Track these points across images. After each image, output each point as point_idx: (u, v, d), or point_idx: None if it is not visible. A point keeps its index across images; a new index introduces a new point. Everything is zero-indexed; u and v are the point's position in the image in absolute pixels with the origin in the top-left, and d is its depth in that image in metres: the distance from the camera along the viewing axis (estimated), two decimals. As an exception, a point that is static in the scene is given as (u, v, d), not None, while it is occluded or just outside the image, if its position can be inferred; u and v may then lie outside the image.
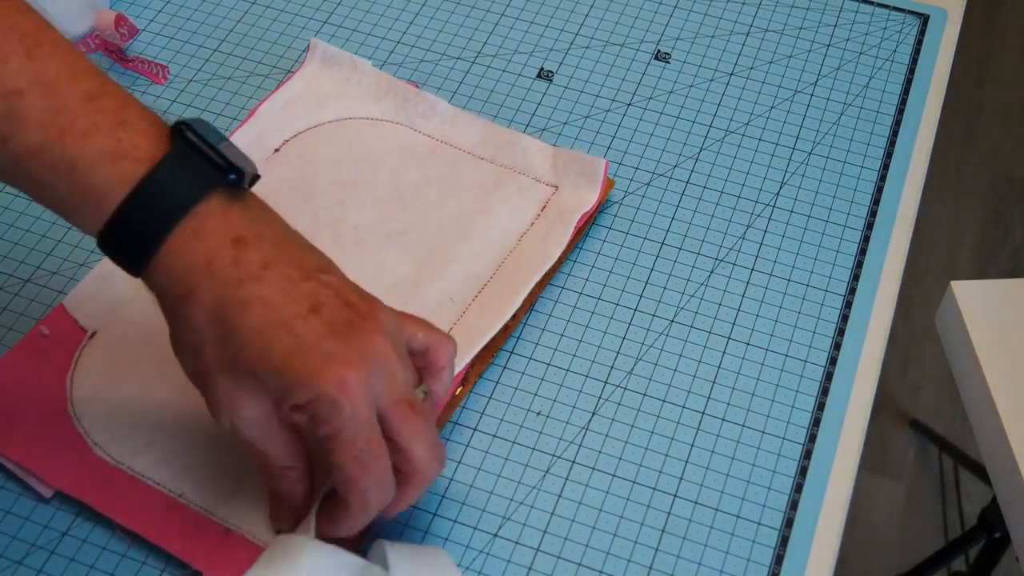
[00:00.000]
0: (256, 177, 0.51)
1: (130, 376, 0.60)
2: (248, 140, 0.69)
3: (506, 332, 0.63)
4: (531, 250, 0.65)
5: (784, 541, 0.56)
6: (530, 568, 0.55)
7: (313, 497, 0.52)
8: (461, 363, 0.59)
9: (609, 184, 0.68)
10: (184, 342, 0.49)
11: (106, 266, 0.65)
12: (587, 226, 0.67)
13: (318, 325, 0.47)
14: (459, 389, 0.60)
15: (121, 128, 0.46)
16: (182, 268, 0.47)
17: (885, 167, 0.72)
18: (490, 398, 0.61)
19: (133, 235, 0.47)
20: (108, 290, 0.63)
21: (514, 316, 0.63)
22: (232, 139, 0.68)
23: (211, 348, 0.47)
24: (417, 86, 0.73)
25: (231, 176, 0.48)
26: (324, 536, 0.51)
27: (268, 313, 0.47)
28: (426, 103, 0.71)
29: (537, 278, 0.63)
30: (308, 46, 0.74)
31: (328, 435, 0.47)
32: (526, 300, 0.63)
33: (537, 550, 0.56)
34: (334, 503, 0.50)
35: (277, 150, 0.70)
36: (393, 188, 0.68)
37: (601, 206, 0.68)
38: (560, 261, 0.65)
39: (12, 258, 0.66)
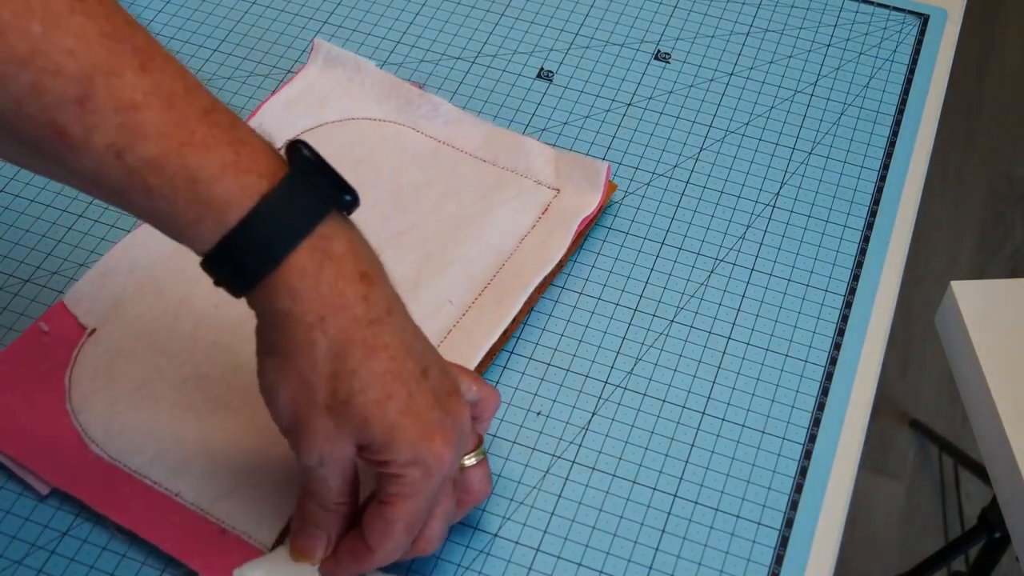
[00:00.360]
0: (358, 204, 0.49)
1: (128, 374, 0.60)
2: None
3: (505, 335, 0.62)
4: (531, 253, 0.65)
5: (784, 541, 0.56)
6: (530, 568, 0.55)
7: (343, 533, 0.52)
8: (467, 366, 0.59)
9: (611, 187, 0.68)
10: (294, 370, 0.47)
11: (107, 263, 0.65)
12: (588, 229, 0.67)
13: (427, 391, 0.48)
14: None
15: (239, 143, 0.46)
16: (311, 291, 0.46)
17: (885, 167, 0.72)
18: (490, 398, 0.61)
19: (256, 248, 0.45)
20: (109, 287, 0.63)
21: (513, 319, 0.63)
22: None
23: (324, 383, 0.46)
24: (421, 87, 0.73)
25: (347, 197, 0.48)
26: (329, 572, 0.52)
27: (392, 364, 0.47)
28: (429, 104, 0.71)
29: (537, 281, 0.63)
30: (311, 46, 0.74)
31: (400, 494, 0.48)
32: (526, 303, 0.63)
33: (537, 550, 0.56)
34: (352, 545, 0.51)
35: (279, 149, 0.69)
36: (394, 189, 0.68)
37: (603, 209, 0.68)
38: (561, 264, 0.65)
39: (12, 258, 0.66)
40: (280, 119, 0.71)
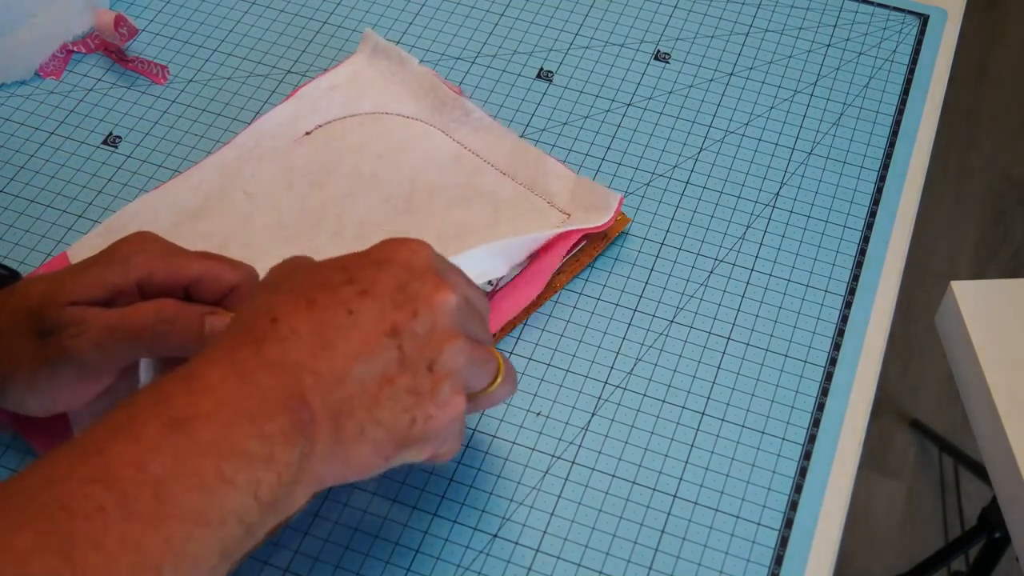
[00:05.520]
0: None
1: None
2: (282, 120, 0.71)
3: None
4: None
5: (784, 541, 0.56)
6: (530, 569, 0.55)
7: None
8: None
9: (623, 221, 0.67)
10: None
11: (114, 222, 0.66)
12: (591, 259, 0.66)
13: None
14: None
15: None
16: None
17: (885, 167, 0.72)
18: (490, 398, 0.61)
19: None
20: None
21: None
22: (268, 116, 0.72)
23: None
24: (459, 90, 0.73)
25: None
26: None
27: None
28: (462, 109, 0.71)
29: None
30: (363, 36, 0.75)
31: None
32: (518, 317, 0.63)
33: (537, 551, 0.56)
34: None
35: (308, 133, 0.71)
36: (409, 189, 0.68)
37: (612, 240, 0.67)
38: (554, 289, 0.65)
39: (12, 258, 0.66)
40: (316, 103, 0.72)
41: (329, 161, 0.69)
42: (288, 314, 0.46)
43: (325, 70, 0.75)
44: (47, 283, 0.52)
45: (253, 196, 0.68)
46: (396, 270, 0.48)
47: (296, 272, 0.49)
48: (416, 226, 0.66)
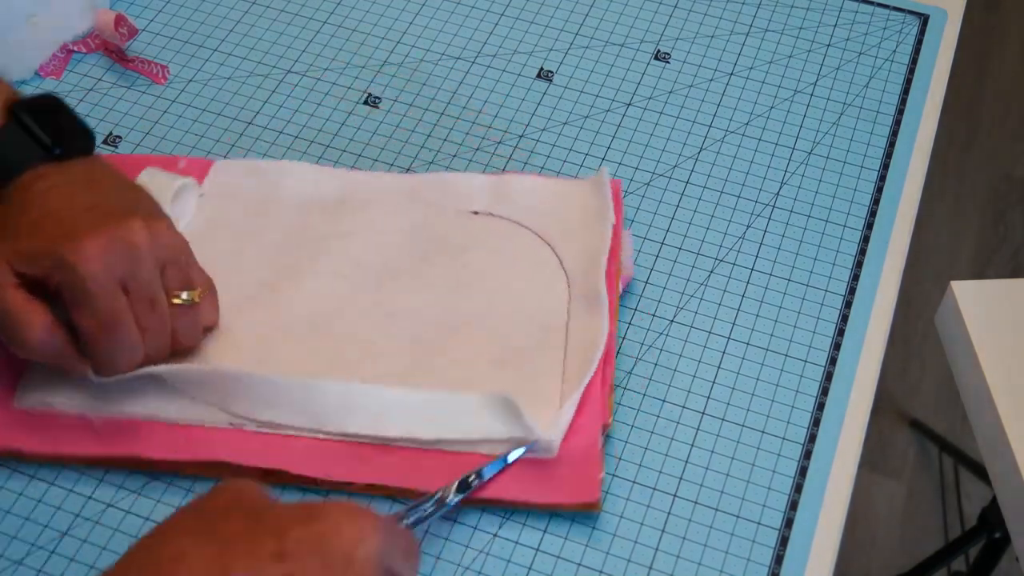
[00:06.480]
0: (87, 150, 0.59)
1: None
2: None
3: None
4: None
5: (784, 541, 0.56)
6: (530, 568, 0.55)
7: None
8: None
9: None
10: None
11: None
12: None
13: (92, 216, 0.54)
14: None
15: None
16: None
17: (885, 167, 0.72)
18: (490, 398, 0.61)
19: None
20: None
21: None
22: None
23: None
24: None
25: (56, 151, 0.57)
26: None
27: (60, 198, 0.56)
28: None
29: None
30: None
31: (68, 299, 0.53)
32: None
33: (537, 550, 0.56)
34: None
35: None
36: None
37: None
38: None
39: (12, 258, 0.66)
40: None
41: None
42: (196, 572, 0.41)
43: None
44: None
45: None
46: (334, 560, 0.42)
47: (230, 511, 0.44)
48: (474, 312, 0.63)
